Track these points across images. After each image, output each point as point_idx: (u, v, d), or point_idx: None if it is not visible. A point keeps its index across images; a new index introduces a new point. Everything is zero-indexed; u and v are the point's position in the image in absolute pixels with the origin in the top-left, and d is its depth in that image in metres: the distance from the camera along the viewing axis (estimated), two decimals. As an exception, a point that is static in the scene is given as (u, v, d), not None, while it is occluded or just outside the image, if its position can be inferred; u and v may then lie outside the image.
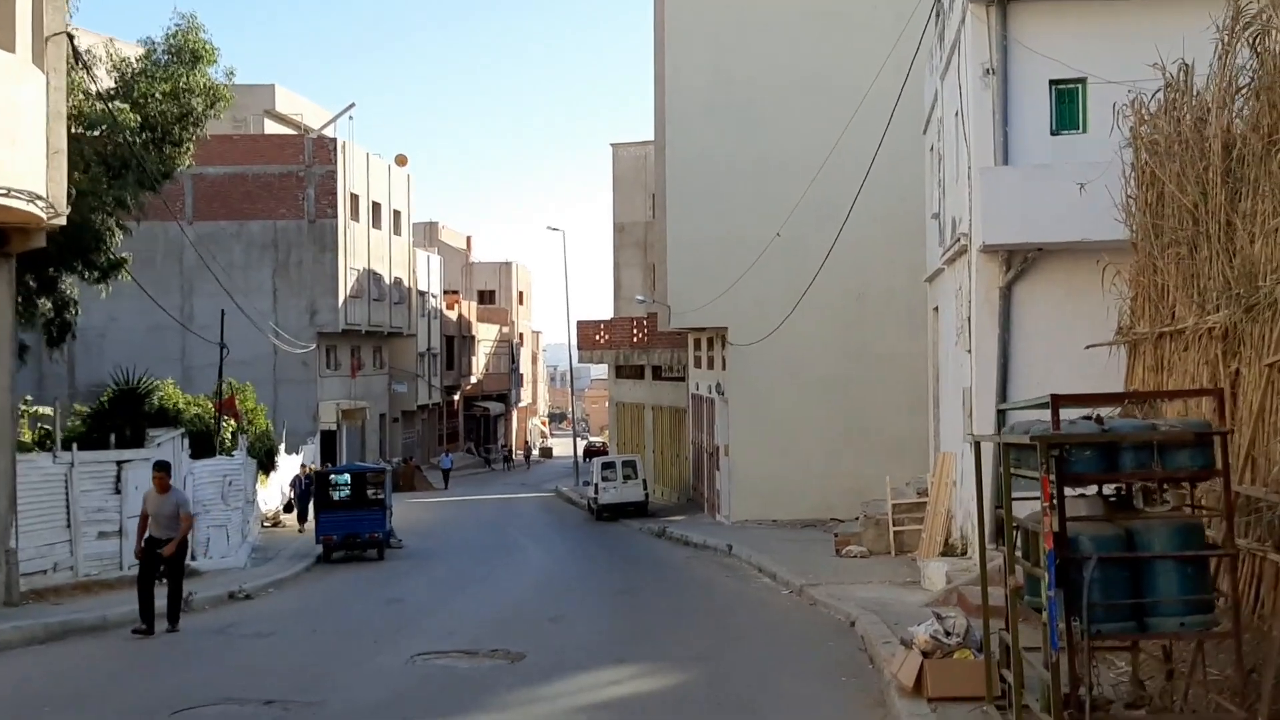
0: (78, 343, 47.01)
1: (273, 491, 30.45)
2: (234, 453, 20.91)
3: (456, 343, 67.09)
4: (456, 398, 68.99)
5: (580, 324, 43.42)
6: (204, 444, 22.44)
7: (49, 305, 26.85)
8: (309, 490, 26.40)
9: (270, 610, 14.83)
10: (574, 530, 30.92)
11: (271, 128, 51.92)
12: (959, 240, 14.54)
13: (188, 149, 27.37)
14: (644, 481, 33.53)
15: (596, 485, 33.39)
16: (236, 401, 22.33)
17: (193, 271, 47.29)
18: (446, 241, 79.23)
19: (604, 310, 44.04)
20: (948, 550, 16.01)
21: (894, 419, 27.35)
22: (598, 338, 41.70)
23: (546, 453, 75.48)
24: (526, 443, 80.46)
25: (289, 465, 33.31)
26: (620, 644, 11.46)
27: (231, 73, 27.29)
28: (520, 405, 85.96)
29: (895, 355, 27.36)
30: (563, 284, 56.47)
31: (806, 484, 27.62)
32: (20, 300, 26.38)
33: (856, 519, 21.64)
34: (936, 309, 19.60)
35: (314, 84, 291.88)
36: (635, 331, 39.15)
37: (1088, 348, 11.64)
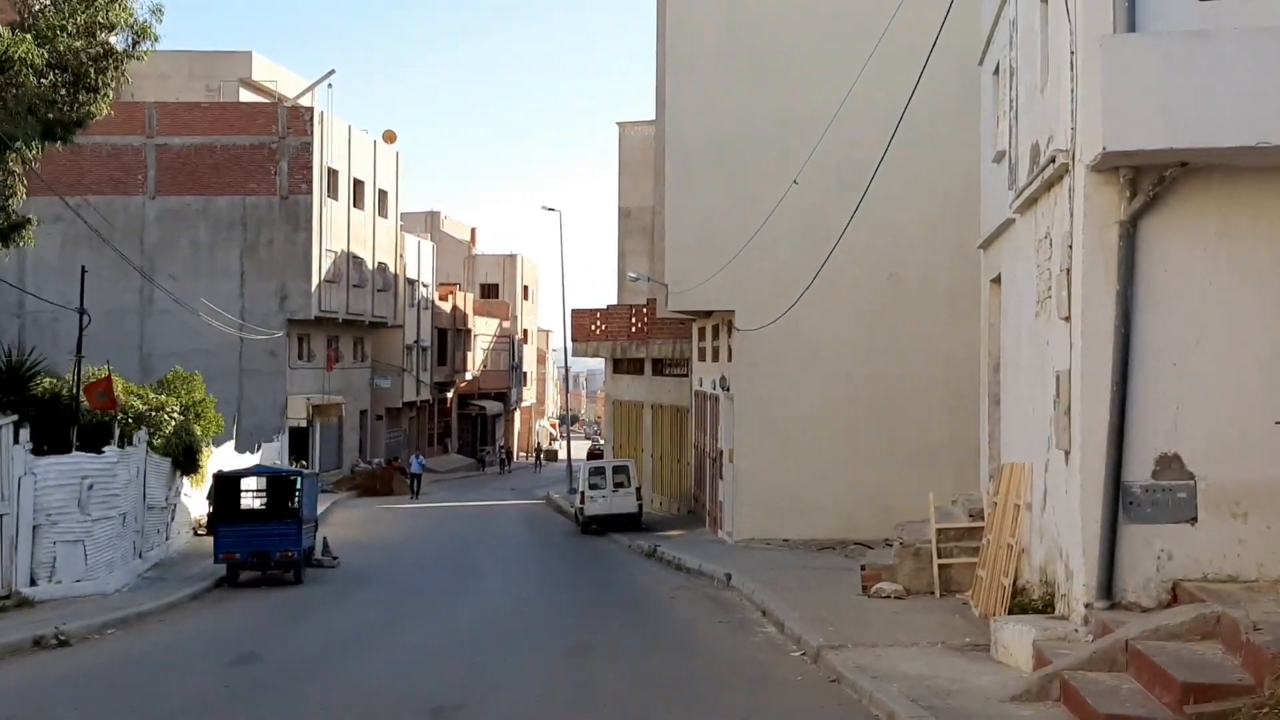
0: (27, 325, 43.36)
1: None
2: (105, 449, 16.59)
3: (450, 336, 62.90)
4: (449, 395, 64.80)
5: (575, 312, 39.16)
6: (94, 438, 18.25)
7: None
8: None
9: (58, 672, 10.59)
10: (552, 548, 26.60)
11: (248, 98, 47.92)
12: (1053, 160, 10.16)
13: (106, 95, 23.38)
14: (637, 490, 29.21)
15: (583, 494, 29.05)
16: (115, 385, 17.97)
17: (155, 250, 43.37)
18: (449, 233, 75.28)
19: (609, 302, 39.62)
20: (1022, 600, 11.61)
21: (931, 422, 22.98)
22: (593, 327, 37.39)
23: (551, 455, 71.12)
24: (537, 445, 76.21)
25: (237, 465, 28.92)
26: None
27: (159, 9, 23.30)
28: (523, 405, 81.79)
29: (933, 346, 23.01)
30: (562, 271, 51.57)
31: (824, 498, 23.25)
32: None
33: (887, 545, 17.28)
34: (998, 279, 15.22)
35: (298, 58, 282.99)
36: (633, 320, 34.84)
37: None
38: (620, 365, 37.73)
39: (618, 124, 44.68)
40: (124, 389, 27.76)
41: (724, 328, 25.73)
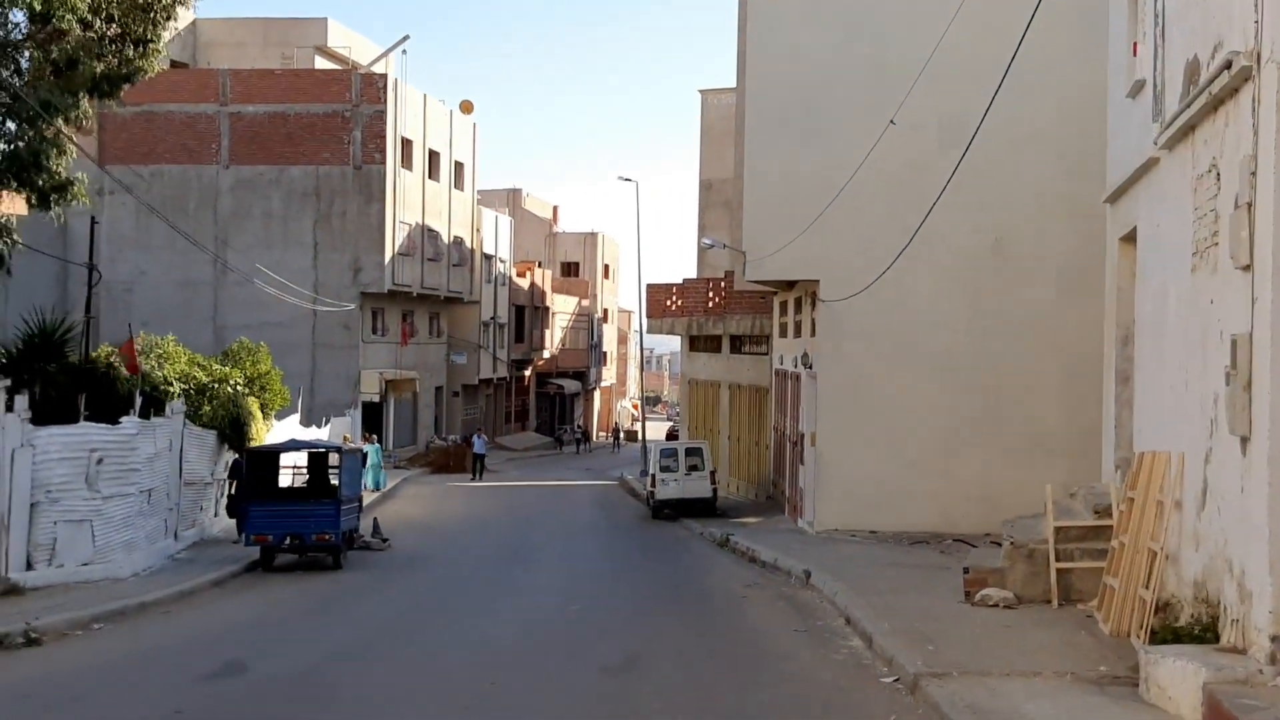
0: (102, 297, 43.05)
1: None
2: (124, 419, 15.25)
3: (528, 313, 61.62)
4: (527, 373, 63.59)
5: (650, 288, 37.32)
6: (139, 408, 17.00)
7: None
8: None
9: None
10: (618, 533, 24.87)
11: (323, 65, 46.98)
12: (1227, 67, 7.94)
13: (156, 48, 22.19)
14: (712, 474, 27.30)
15: (654, 476, 27.25)
16: (137, 348, 16.63)
17: (228, 220, 42.69)
18: (531, 210, 74.07)
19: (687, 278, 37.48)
20: (1168, 621, 9.46)
21: (1039, 405, 20.64)
22: (669, 303, 35.51)
23: (630, 436, 69.59)
24: (616, 425, 74.77)
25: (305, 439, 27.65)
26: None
27: (208, -47, 21.76)
28: (602, 385, 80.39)
29: (1043, 319, 20.67)
30: (638, 244, 49.15)
31: (916, 487, 21.07)
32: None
33: (994, 544, 15.16)
34: (1131, 235, 12.92)
35: (373, 25, 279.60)
36: (710, 294, 32.83)
37: None
38: (696, 343, 35.79)
39: (700, 91, 42.57)
40: (188, 360, 26.87)
41: (807, 300, 23.63)
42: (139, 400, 16.23)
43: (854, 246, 21.28)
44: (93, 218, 19.01)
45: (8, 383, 13.18)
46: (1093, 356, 16.03)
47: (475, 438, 41.60)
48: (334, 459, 18.12)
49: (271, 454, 17.95)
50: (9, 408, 12.56)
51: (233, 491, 18.81)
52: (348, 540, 17.43)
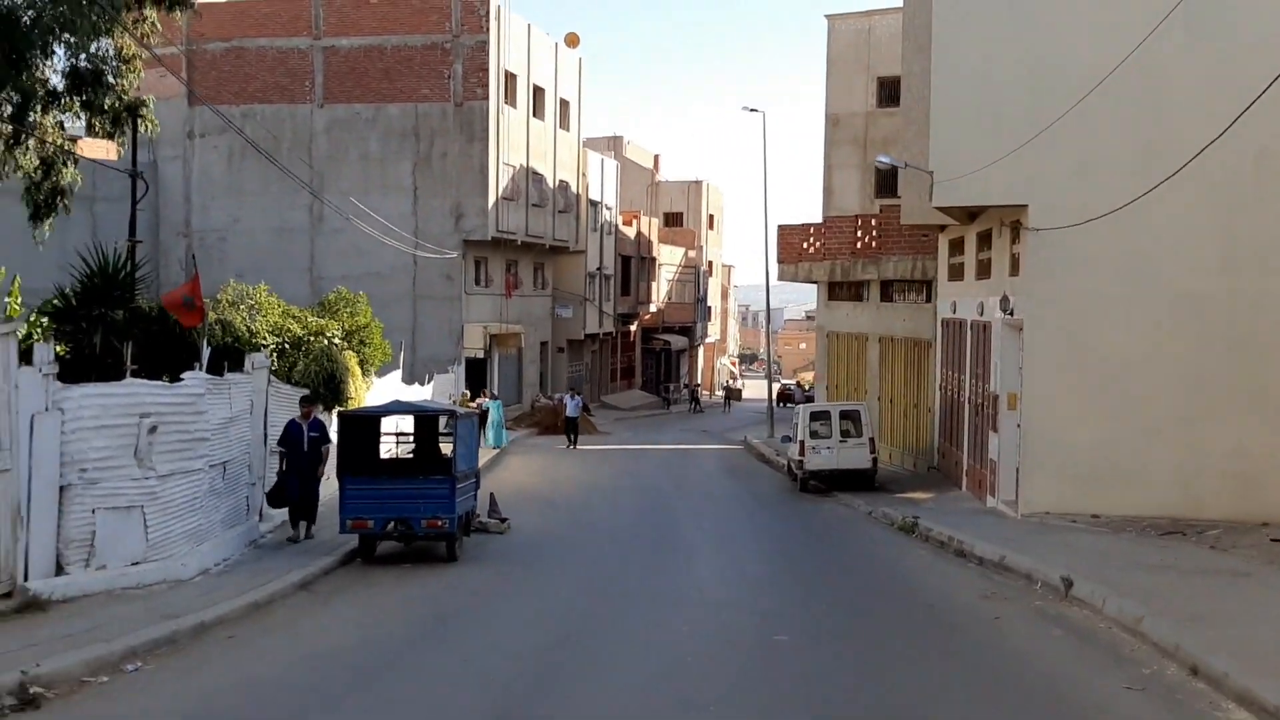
0: (194, 244, 40.82)
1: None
2: (186, 375, 11.97)
3: (634, 265, 58.09)
4: (632, 328, 60.19)
5: (782, 229, 33.33)
6: (213, 363, 13.91)
7: (34, 162, 19.03)
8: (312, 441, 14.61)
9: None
10: (770, 510, 21.26)
11: (419, -2, 43.72)
12: None
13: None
14: (871, 441, 23.46)
15: (802, 443, 23.51)
16: (201, 291, 13.36)
17: (323, 164, 39.89)
18: (632, 159, 70.40)
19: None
20: None
21: (1322, 360, 16.36)
22: (805, 245, 31.54)
23: (736, 394, 65.92)
24: (725, 384, 71.16)
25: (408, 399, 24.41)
26: None
27: None
28: (706, 341, 76.72)
29: (1329, 252, 16.32)
30: (765, 181, 44.20)
31: (1154, 462, 17.02)
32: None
33: (1265, 533, 11.18)
34: None
35: None
36: (859, 234, 28.75)
37: None
38: (836, 290, 31.79)
39: (826, 17, 38.23)
40: (281, 311, 24.02)
41: (1000, 232, 19.54)
42: (206, 352, 13.01)
43: (1074, 164, 17.21)
44: (134, 116, 15.61)
45: (18, 327, 9.84)
46: None
47: (568, 398, 36.25)
48: (446, 423, 14.79)
49: (371, 419, 14.65)
50: (26, 359, 9.34)
51: (282, 469, 14.31)
52: (464, 525, 14.13)
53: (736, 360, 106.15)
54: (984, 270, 20.98)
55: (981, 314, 20.79)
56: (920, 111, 21.48)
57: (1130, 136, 17.11)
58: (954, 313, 23.48)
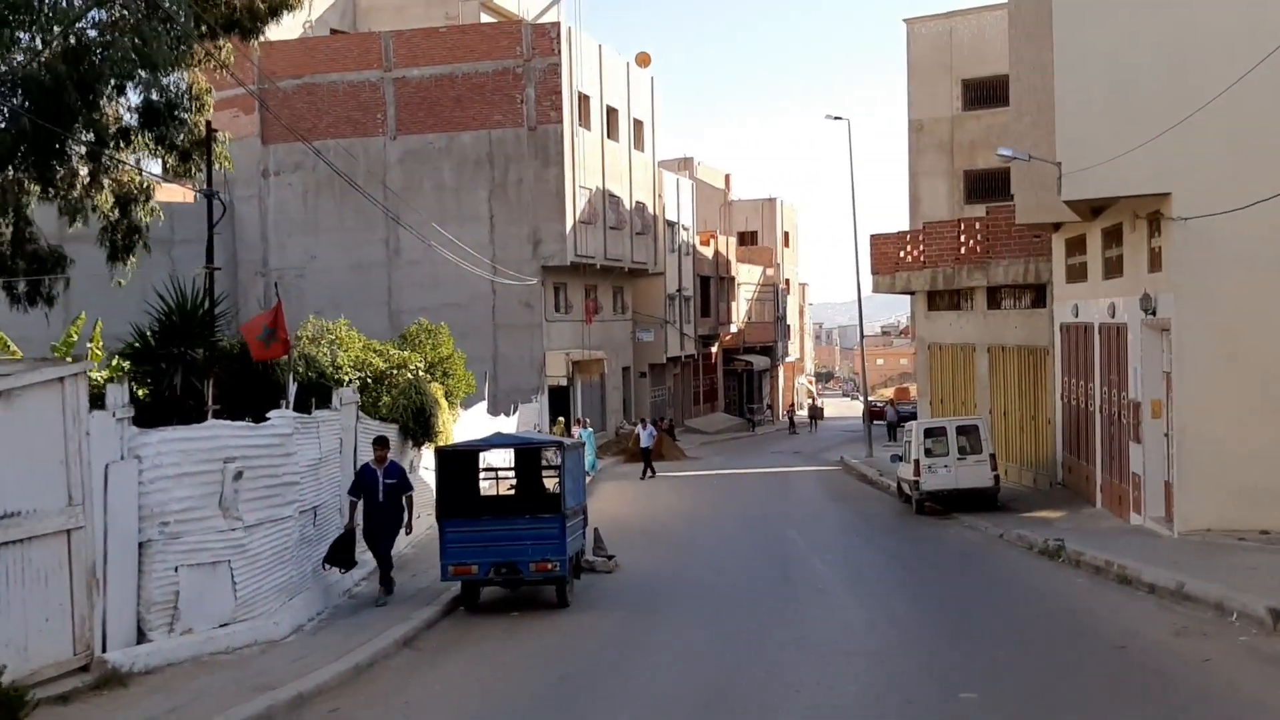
0: (267, 283, 40.59)
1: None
2: (273, 414, 10.90)
3: (713, 285, 56.85)
4: (714, 349, 58.87)
5: (875, 239, 31.86)
6: (300, 400, 12.98)
7: (109, 201, 18.44)
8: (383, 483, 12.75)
9: None
10: (891, 537, 19.73)
11: (487, 21, 43.23)
12: None
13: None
14: (991, 458, 21.87)
15: (917, 462, 21.97)
16: (285, 322, 12.37)
17: (398, 196, 39.31)
18: (703, 179, 69.37)
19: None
20: None
21: None
22: (902, 254, 30.00)
23: (818, 414, 64.14)
24: (810, 404, 69.52)
25: (493, 431, 23.27)
26: None
27: None
28: (787, 360, 75.09)
29: None
30: (852, 190, 42.42)
31: (1332, 471, 15.23)
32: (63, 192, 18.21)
33: None
34: None
35: None
36: (963, 238, 27.14)
37: None
38: (936, 300, 30.17)
39: (905, 21, 36.88)
40: (363, 345, 23.24)
41: (1135, 225, 17.89)
42: (293, 389, 12.04)
43: (1225, 151, 15.61)
44: (209, 137, 14.79)
45: (88, 366, 8.74)
46: None
47: (640, 428, 34.36)
48: (552, 456, 13.61)
49: (470, 454, 13.54)
50: (97, 404, 8.35)
51: (352, 523, 12.43)
52: (574, 566, 12.91)
53: (814, 379, 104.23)
54: (1114, 269, 19.32)
55: (1113, 316, 19.13)
56: (1032, 103, 19.98)
57: (1285, 112, 15.47)
58: (1076, 316, 21.80)
